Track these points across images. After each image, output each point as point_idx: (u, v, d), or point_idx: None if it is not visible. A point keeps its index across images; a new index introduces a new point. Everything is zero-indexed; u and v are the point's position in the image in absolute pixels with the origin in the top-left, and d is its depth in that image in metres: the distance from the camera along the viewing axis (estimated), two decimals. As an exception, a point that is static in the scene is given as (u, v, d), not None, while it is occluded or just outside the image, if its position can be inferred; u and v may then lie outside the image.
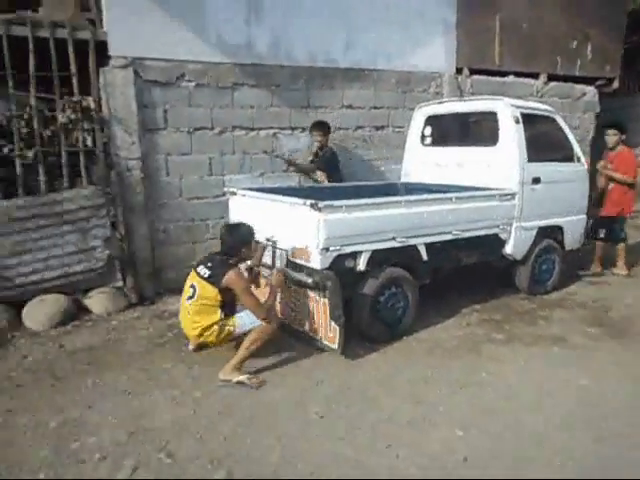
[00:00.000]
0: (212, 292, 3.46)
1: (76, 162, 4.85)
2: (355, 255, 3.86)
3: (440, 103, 5.73)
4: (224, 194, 5.37)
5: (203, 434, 2.87)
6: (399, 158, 6.28)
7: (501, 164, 4.92)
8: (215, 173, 5.53)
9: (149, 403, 3.21)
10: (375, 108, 6.51)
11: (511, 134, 4.86)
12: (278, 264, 4.07)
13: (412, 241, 4.11)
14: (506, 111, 4.89)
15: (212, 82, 5.41)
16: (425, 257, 4.23)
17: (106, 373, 3.61)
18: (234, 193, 4.67)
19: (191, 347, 3.89)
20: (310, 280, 3.73)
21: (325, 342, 3.77)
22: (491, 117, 5.06)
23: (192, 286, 3.57)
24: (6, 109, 4.68)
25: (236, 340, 3.65)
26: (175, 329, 4.39)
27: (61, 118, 4.71)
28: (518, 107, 4.94)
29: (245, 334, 3.53)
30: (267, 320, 3.49)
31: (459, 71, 6.98)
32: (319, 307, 3.79)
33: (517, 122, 4.85)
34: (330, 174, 5.66)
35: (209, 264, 3.57)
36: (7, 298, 4.52)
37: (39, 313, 4.47)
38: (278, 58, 5.73)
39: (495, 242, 4.85)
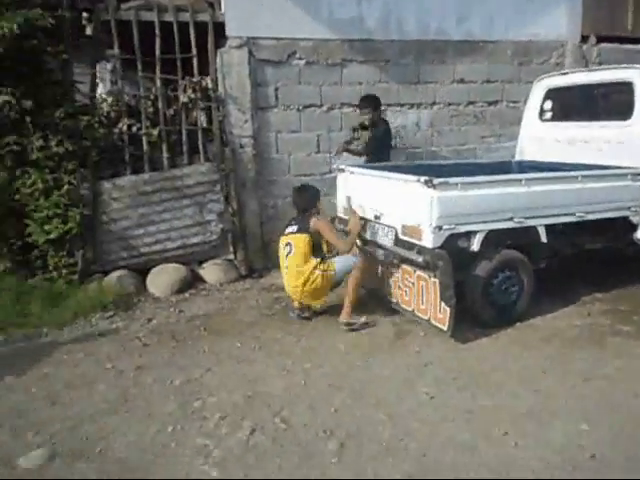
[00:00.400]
0: (304, 240, 3.93)
1: (194, 140, 5.12)
2: (469, 235, 3.70)
3: (564, 74, 5.29)
4: (331, 171, 5.42)
5: (314, 404, 2.94)
6: (513, 135, 5.93)
7: (636, 140, 4.44)
8: (322, 150, 5.57)
9: (262, 370, 3.35)
10: (488, 82, 6.17)
11: (649, 106, 4.36)
12: (387, 243, 4.03)
13: (531, 222, 3.86)
14: (644, 80, 4.39)
15: (322, 59, 5.43)
16: (544, 239, 3.96)
17: (221, 339, 3.81)
18: (343, 170, 4.67)
19: (296, 311, 4.16)
20: (421, 259, 3.65)
21: (434, 323, 3.68)
22: (625, 88, 4.57)
23: (288, 244, 4.01)
24: (135, 91, 5.04)
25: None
26: (283, 302, 4.53)
27: (182, 98, 4.98)
28: (659, 75, 4.41)
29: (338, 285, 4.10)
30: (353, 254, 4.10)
31: (584, 39, 6.38)
32: (429, 287, 3.70)
33: (657, 92, 4.34)
34: (381, 153, 5.10)
35: (293, 223, 4.08)
36: (134, 265, 4.92)
37: (161, 281, 4.82)
38: (388, 32, 5.60)
39: (624, 226, 4.41)
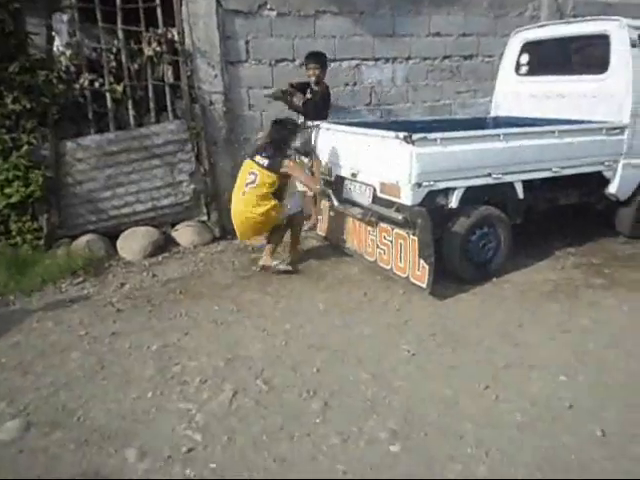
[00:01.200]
0: (271, 179, 3.91)
1: (162, 97, 4.87)
2: (447, 192, 3.67)
3: (541, 27, 5.20)
4: (307, 128, 5.26)
5: (295, 365, 2.92)
6: (488, 91, 5.88)
7: (611, 94, 4.42)
8: (296, 107, 5.38)
9: (241, 333, 3.30)
10: (464, 35, 6.05)
11: (625, 59, 4.33)
12: (365, 201, 3.97)
13: (508, 178, 3.85)
14: (621, 33, 4.35)
15: (294, 10, 5.19)
16: (521, 195, 3.96)
17: (198, 302, 3.74)
18: (318, 127, 4.54)
19: (249, 242, 4.57)
20: (400, 217, 3.61)
21: (413, 280, 3.68)
22: (602, 41, 4.52)
23: (253, 173, 3.95)
24: (95, 44, 4.72)
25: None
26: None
27: (147, 51, 4.70)
28: (637, 28, 4.36)
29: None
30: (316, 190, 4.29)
31: (561, -9, 6.27)
32: (407, 245, 3.67)
33: (634, 46, 4.30)
34: (320, 115, 4.79)
35: (264, 154, 3.96)
36: (103, 229, 4.75)
37: (132, 244, 4.66)
38: (362, -19, 5.36)
39: (598, 181, 4.46)
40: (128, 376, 2.85)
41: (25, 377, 2.87)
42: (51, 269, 4.19)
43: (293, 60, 5.30)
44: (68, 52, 4.58)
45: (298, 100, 4.82)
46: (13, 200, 4.30)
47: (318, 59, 4.85)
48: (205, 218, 5.10)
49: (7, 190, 4.31)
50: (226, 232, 5.14)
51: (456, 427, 2.36)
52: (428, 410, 2.48)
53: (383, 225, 3.91)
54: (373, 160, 3.85)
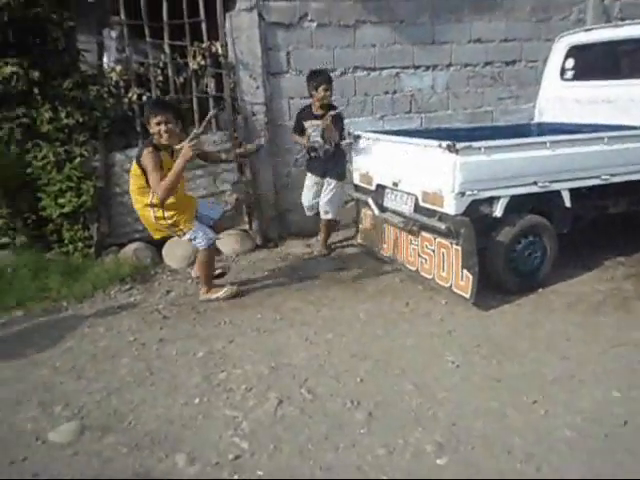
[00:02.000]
0: (135, 171, 3.50)
1: (205, 108, 4.99)
2: (492, 200, 3.61)
3: (587, 30, 5.06)
4: (345, 138, 5.29)
5: (339, 374, 2.92)
6: (531, 96, 5.76)
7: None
8: (336, 116, 5.42)
9: (284, 341, 3.33)
10: (506, 41, 5.95)
11: (678, 62, 4.18)
12: (406, 210, 3.96)
13: (555, 186, 3.75)
14: (673, 35, 4.20)
15: (334, 21, 5.23)
16: (568, 204, 3.86)
17: (241, 310, 3.79)
18: (358, 136, 4.55)
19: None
20: (443, 226, 3.57)
21: (456, 290, 3.63)
22: (655, 44, 4.38)
23: None
24: (142, 59, 4.89)
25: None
26: (300, 271, 4.51)
27: (192, 65, 4.84)
28: (690, 30, 4.20)
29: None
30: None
31: (606, -6, 6.11)
32: (450, 254, 3.64)
33: (687, 48, 4.15)
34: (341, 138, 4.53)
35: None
36: (149, 238, 4.86)
37: (177, 253, 4.78)
38: (403, -10, 5.37)
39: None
40: (175, 382, 2.92)
41: (78, 381, 2.98)
42: (101, 276, 4.34)
43: (333, 70, 5.34)
44: (118, 67, 4.77)
45: (315, 136, 4.47)
46: (66, 210, 4.49)
47: (327, 77, 4.44)
48: (247, 227, 5.19)
49: (60, 200, 4.51)
50: (267, 240, 5.22)
51: (504, 441, 2.32)
52: (474, 423, 2.45)
53: (425, 234, 3.88)
54: (415, 169, 3.84)
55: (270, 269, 4.64)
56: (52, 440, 2.48)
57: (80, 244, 4.63)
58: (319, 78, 4.40)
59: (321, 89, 4.36)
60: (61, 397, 2.82)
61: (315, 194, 4.75)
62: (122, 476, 2.23)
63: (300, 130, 4.61)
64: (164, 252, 4.84)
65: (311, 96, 4.49)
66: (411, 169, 3.90)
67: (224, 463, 2.28)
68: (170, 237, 4.54)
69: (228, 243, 5.04)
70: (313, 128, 4.48)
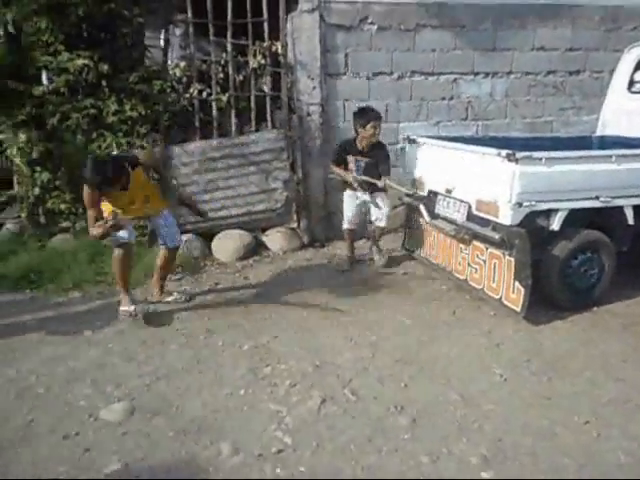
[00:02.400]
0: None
1: (262, 106, 5.08)
2: (549, 213, 3.50)
3: (660, 41, 4.85)
4: (398, 142, 5.27)
5: (383, 378, 2.91)
6: (594, 108, 5.56)
7: None
8: (390, 120, 5.40)
9: (329, 340, 3.34)
10: (571, 50, 5.77)
11: None
12: (459, 218, 3.90)
13: (618, 202, 3.61)
14: None
15: (395, 24, 5.21)
16: (631, 221, 3.70)
17: (286, 307, 3.83)
18: (413, 141, 4.52)
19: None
20: (496, 236, 3.50)
21: (506, 302, 3.55)
22: None
23: None
24: (202, 56, 5.03)
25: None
26: (346, 272, 4.52)
27: (252, 63, 4.93)
28: None
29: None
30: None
31: (681, 4, 5.83)
32: (502, 265, 3.56)
33: None
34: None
35: None
36: (200, 230, 5.01)
37: (226, 246, 4.89)
38: (466, -5, 5.30)
39: None
40: (221, 372, 2.98)
41: (129, 363, 3.09)
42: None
43: (391, 73, 5.33)
44: (182, 64, 4.91)
45: (361, 172, 4.35)
46: (124, 199, 4.65)
47: (378, 115, 4.31)
48: (295, 225, 5.24)
49: (119, 189, 4.67)
50: (314, 240, 5.25)
51: (553, 460, 2.25)
52: (522, 439, 2.39)
53: (477, 243, 3.81)
54: (471, 177, 3.77)
55: (316, 268, 4.67)
56: (104, 418, 2.58)
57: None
58: (368, 116, 4.25)
59: (369, 126, 4.22)
60: (113, 377, 2.93)
61: (359, 208, 4.59)
62: (168, 460, 2.29)
63: (342, 162, 4.45)
64: (213, 245, 4.94)
65: (356, 132, 4.33)
66: (466, 176, 3.83)
67: (267, 456, 2.31)
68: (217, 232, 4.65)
69: (276, 240, 5.11)
70: (357, 164, 4.36)
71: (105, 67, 4.47)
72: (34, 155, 4.42)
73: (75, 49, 4.45)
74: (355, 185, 4.34)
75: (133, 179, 3.49)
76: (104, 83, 4.55)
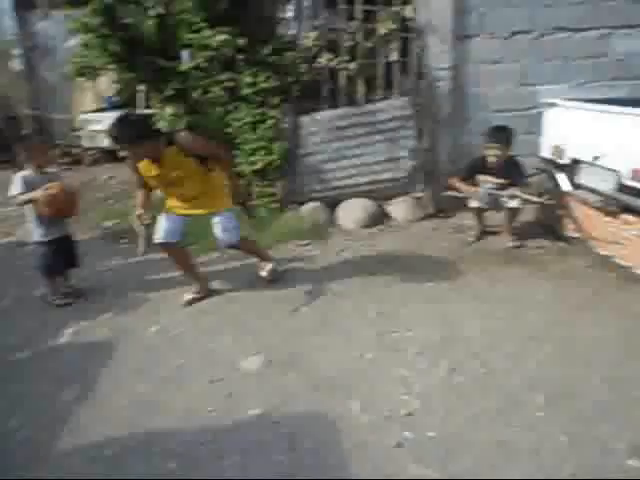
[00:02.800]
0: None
1: (389, 73, 5.00)
2: None
3: None
4: (535, 106, 4.90)
5: (515, 354, 2.80)
6: None
7: None
8: (528, 83, 5.03)
9: (457, 312, 3.28)
10: None
11: None
12: (606, 188, 3.56)
13: None
14: None
15: (537, -25, 4.78)
16: None
17: (412, 277, 3.81)
18: (554, 104, 4.18)
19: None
20: (652, 208, 3.16)
21: (660, 282, 3.21)
22: None
23: None
24: (332, 24, 5.03)
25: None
26: (473, 244, 4.38)
27: (381, 30, 4.84)
28: None
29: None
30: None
31: None
32: (657, 242, 3.21)
33: None
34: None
35: None
36: (326, 198, 5.13)
37: (351, 214, 4.96)
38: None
39: None
40: (349, 335, 3.08)
41: (263, 320, 3.30)
42: (282, 230, 4.71)
43: (530, 31, 4.93)
44: (312, 34, 4.98)
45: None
46: (257, 167, 4.91)
47: (509, 136, 4.07)
48: (420, 194, 5.15)
49: (252, 158, 4.94)
50: (440, 210, 5.13)
51: None
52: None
53: (627, 217, 3.47)
54: (623, 143, 3.41)
55: (441, 238, 4.58)
56: (243, 367, 2.81)
57: (266, 199, 5.04)
58: (499, 136, 4.05)
59: (498, 147, 4.01)
60: (249, 331, 3.17)
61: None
62: (302, 412, 2.44)
63: (470, 178, 4.25)
64: (338, 213, 5.04)
65: (486, 149, 4.11)
66: (617, 143, 3.47)
67: (395, 417, 2.36)
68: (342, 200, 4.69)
69: (400, 209, 5.08)
70: (488, 184, 4.14)
71: (241, 41, 4.67)
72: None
73: (216, 25, 4.70)
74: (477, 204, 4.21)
75: (166, 156, 3.22)
76: (240, 56, 4.77)
